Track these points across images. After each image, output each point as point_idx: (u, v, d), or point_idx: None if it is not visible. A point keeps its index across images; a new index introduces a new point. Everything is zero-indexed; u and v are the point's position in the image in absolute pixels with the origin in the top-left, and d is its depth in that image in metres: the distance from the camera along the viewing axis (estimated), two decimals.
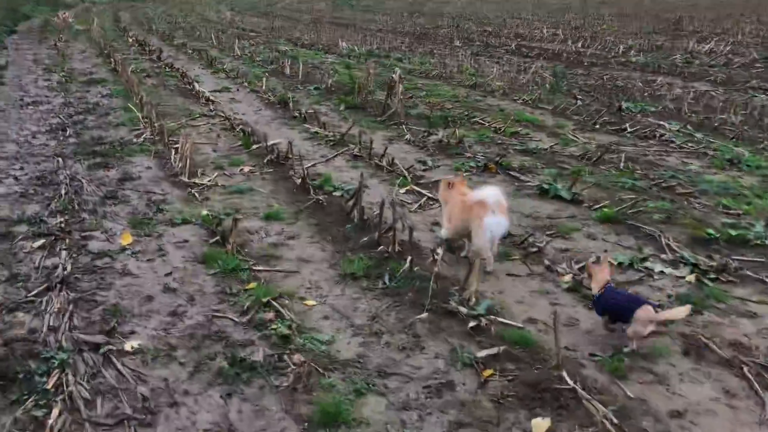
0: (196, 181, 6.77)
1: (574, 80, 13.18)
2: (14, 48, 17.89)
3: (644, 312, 3.62)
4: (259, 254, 5.06)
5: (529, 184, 6.74)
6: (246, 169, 7.27)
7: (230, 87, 12.43)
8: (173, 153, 7.59)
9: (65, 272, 4.56)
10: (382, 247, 5.03)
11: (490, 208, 4.52)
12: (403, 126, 9.23)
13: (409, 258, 4.71)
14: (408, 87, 12.29)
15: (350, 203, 5.90)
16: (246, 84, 12.70)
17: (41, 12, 34.68)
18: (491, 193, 4.63)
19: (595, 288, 3.91)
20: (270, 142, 7.96)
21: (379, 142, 8.34)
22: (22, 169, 7.07)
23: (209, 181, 6.79)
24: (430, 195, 6.23)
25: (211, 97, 11.12)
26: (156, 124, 8.53)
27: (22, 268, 4.71)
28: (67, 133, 8.71)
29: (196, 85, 12.00)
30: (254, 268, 4.77)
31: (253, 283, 4.51)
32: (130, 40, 20.25)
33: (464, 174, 6.42)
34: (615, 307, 3.76)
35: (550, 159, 7.74)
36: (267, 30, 24.85)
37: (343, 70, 14.14)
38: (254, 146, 8.07)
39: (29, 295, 4.29)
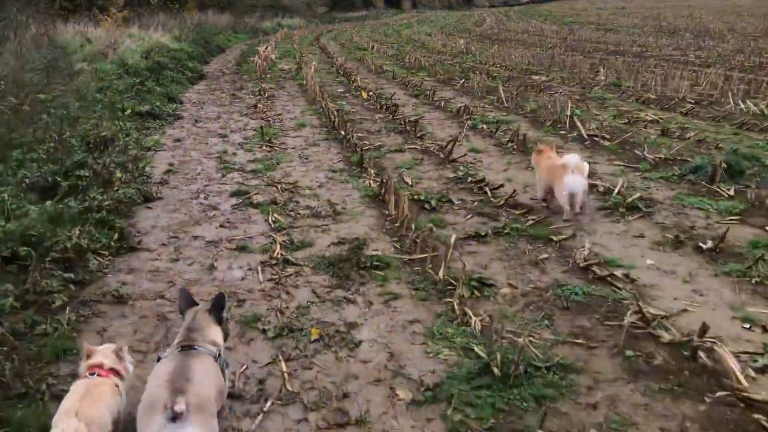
0: None
1: None
2: (192, 115, 11.55)
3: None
4: None
5: None
6: None
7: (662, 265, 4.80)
8: None
9: None
10: None
11: (570, 169, 5.41)
12: None
13: None
14: None
15: None
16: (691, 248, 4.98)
17: (238, 41, 30.13)
18: (573, 157, 5.55)
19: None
20: None
21: None
22: None
23: None
24: None
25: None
26: None
27: None
28: None
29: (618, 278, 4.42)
30: None
31: None
32: (365, 95, 13.31)
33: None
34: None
35: None
36: (545, 69, 16.74)
37: None
38: None
39: None
